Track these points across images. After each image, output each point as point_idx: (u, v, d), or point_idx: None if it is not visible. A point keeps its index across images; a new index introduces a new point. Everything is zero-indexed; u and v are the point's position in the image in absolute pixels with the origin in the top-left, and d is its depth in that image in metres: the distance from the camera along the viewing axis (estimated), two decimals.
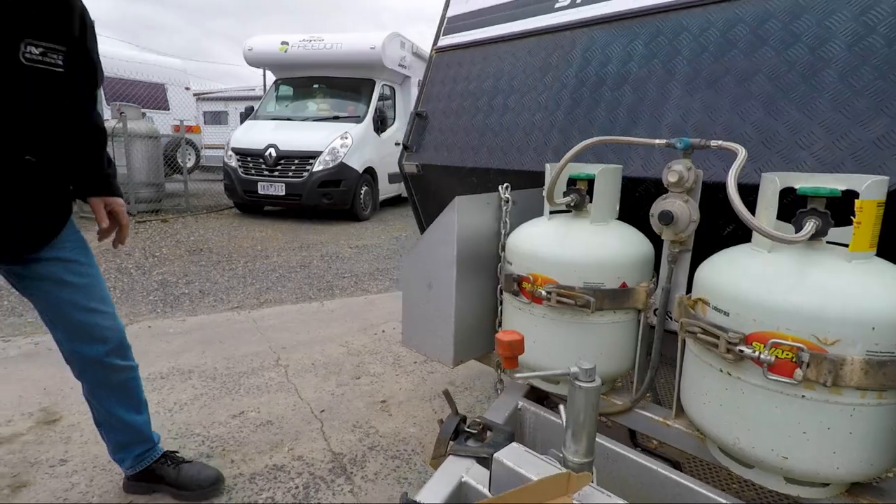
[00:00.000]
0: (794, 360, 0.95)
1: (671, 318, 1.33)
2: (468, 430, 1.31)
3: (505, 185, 1.63)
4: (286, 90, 9.83)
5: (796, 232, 1.02)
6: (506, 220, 1.62)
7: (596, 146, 1.74)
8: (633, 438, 1.75)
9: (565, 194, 1.44)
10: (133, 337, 3.63)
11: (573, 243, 1.36)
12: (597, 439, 1.33)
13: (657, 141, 1.32)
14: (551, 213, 1.51)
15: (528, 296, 1.38)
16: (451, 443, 1.30)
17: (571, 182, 1.49)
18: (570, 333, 1.35)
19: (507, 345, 0.97)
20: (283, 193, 8.08)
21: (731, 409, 1.05)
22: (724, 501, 1.11)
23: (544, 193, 1.44)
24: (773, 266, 1.04)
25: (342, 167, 8.08)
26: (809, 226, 1.01)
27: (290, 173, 8.05)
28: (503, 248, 1.57)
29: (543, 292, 1.32)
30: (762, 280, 1.02)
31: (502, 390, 1.64)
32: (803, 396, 0.96)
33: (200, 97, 15.63)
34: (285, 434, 2.46)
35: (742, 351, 0.99)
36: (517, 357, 1.00)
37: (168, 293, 4.66)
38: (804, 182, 1.07)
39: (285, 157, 8.02)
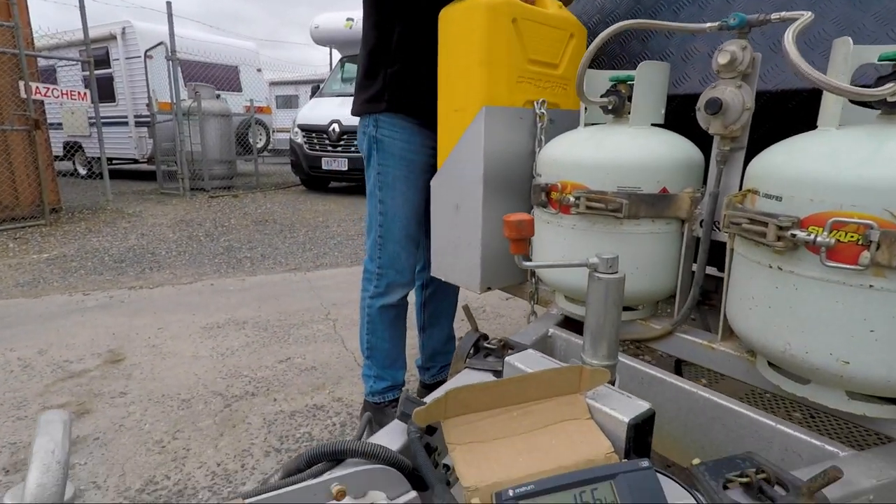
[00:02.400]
0: (859, 242, 0.79)
1: (718, 229, 1.18)
2: (488, 346, 1.22)
3: (541, 100, 1.51)
4: (351, 68, 9.97)
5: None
6: (541, 138, 1.50)
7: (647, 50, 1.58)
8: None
9: (603, 96, 1.31)
10: (196, 293, 3.86)
11: (607, 146, 1.22)
12: (629, 362, 1.21)
13: (707, 25, 1.15)
14: (587, 125, 1.38)
15: (556, 206, 1.26)
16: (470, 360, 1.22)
17: (613, 86, 1.35)
18: (602, 245, 1.22)
19: (513, 225, 0.87)
20: (346, 168, 8.22)
21: (782, 310, 0.90)
22: (767, 421, 0.96)
23: (576, 90, 1.30)
24: (840, 142, 0.87)
25: None
26: (892, 84, 0.83)
27: (354, 148, 8.16)
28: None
29: (571, 199, 1.20)
30: (825, 156, 0.86)
31: (535, 320, 1.54)
32: (871, 286, 0.80)
33: (273, 83, 16.23)
34: (328, 378, 2.48)
35: (794, 235, 0.84)
36: (527, 241, 0.90)
37: (232, 257, 4.86)
38: (886, 51, 0.89)
39: (348, 132, 8.14)
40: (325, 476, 0.66)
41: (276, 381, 2.47)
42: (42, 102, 6.03)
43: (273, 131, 13.75)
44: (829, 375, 0.87)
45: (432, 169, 1.74)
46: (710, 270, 1.35)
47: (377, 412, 1.93)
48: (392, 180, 1.74)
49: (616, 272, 0.91)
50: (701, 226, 1.20)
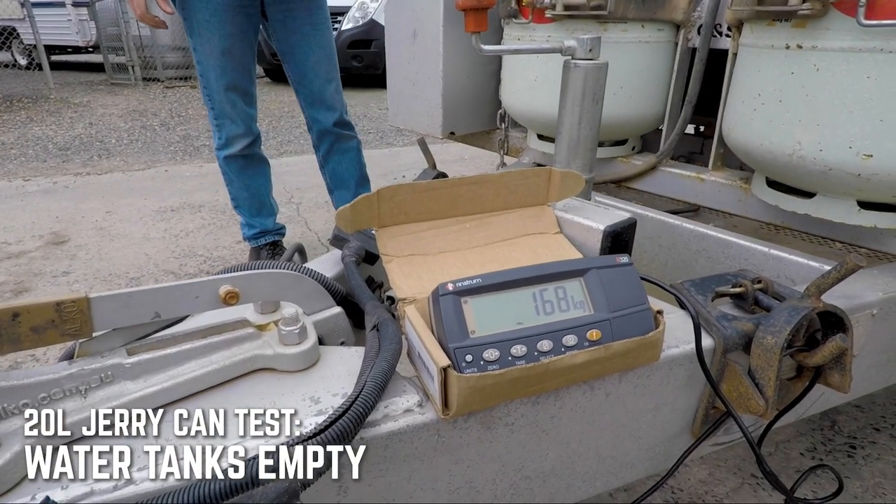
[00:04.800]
0: None
1: (720, 34, 0.99)
2: None
3: None
4: None
5: None
6: None
7: None
8: None
9: None
10: (149, 179, 3.59)
11: None
12: (600, 198, 1.07)
13: None
14: None
15: (528, 13, 1.05)
16: None
17: None
18: None
19: None
20: None
21: (796, 101, 0.74)
22: (759, 247, 0.84)
23: None
24: None
25: (373, 25, 7.40)
26: None
27: None
28: None
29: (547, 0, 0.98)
30: None
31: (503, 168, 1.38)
32: None
33: None
34: None
35: None
36: (486, 13, 0.70)
37: (189, 145, 4.53)
38: None
39: None
40: (213, 276, 0.51)
41: (234, 260, 2.33)
42: None
43: None
44: (843, 177, 0.73)
45: (244, 10, 1.60)
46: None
47: (255, 253, 2.06)
48: (196, 25, 1.62)
49: (597, 58, 0.72)
50: (699, 33, 1.01)
